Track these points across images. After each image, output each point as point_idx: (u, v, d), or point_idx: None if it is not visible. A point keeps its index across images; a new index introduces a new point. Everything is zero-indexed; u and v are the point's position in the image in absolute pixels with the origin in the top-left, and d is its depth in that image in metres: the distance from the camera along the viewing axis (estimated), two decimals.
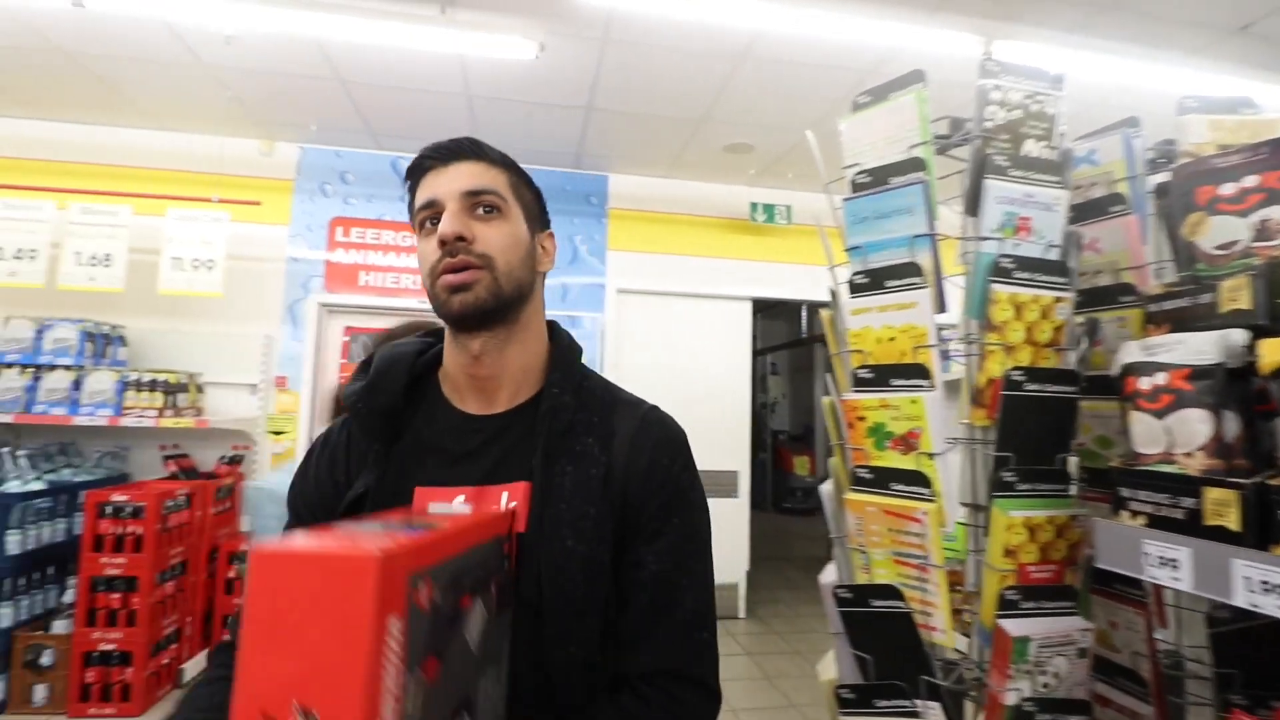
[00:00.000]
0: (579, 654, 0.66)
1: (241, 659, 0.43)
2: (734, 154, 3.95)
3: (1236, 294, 0.72)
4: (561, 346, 0.81)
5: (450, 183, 0.73)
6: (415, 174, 0.77)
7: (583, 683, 0.67)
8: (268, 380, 3.71)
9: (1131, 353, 0.80)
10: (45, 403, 3.02)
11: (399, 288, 4.01)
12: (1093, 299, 1.10)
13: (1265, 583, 0.61)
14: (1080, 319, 1.04)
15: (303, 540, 0.46)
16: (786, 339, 8.68)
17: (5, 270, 3.10)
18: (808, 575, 5.28)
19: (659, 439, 0.76)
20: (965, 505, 1.11)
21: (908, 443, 0.97)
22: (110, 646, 2.74)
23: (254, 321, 3.75)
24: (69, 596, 2.84)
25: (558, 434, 0.73)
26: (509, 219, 0.75)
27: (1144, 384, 0.77)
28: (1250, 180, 0.76)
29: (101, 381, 3.08)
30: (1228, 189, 0.78)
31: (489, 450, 0.74)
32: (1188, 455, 0.71)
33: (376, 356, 0.79)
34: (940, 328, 0.99)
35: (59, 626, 2.80)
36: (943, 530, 0.95)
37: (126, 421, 3.07)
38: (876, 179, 1.05)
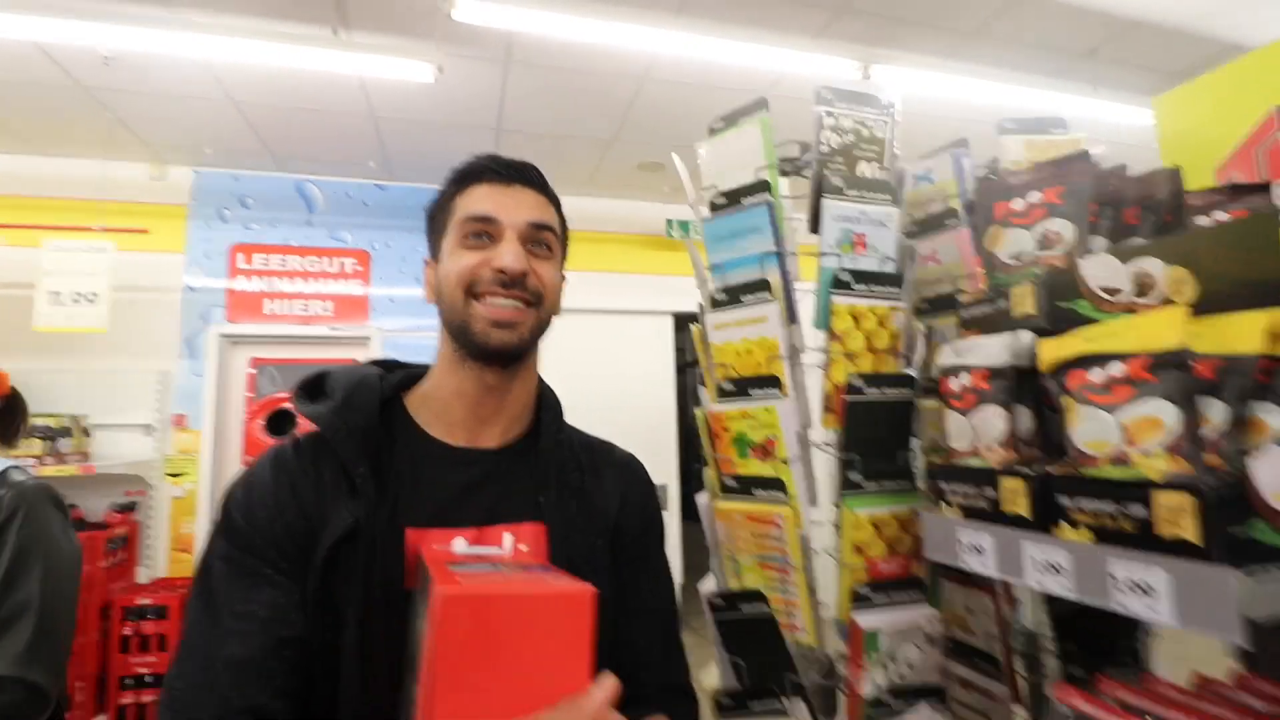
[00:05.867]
0: None
1: (435, 693, 0.43)
2: (647, 172, 4.04)
3: (1024, 299, 0.80)
4: (545, 389, 0.81)
5: (516, 208, 0.70)
6: (467, 179, 0.73)
7: None
8: (164, 419, 3.49)
9: (947, 356, 0.87)
10: None
11: (309, 314, 3.86)
12: (936, 306, 1.19)
13: (1048, 563, 0.67)
14: (921, 325, 1.12)
15: (489, 581, 0.47)
16: None
17: None
18: None
19: (639, 477, 0.83)
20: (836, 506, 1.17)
21: (766, 450, 1.02)
22: None
23: (147, 357, 3.53)
24: None
25: (560, 471, 0.74)
26: (556, 259, 0.75)
27: (954, 384, 0.83)
28: (1035, 196, 0.85)
29: None
30: (1018, 204, 0.86)
31: (487, 488, 0.71)
32: (989, 449, 0.78)
33: (331, 375, 0.74)
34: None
35: None
36: (800, 532, 0.99)
37: None
38: (730, 200, 1.11)
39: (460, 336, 0.70)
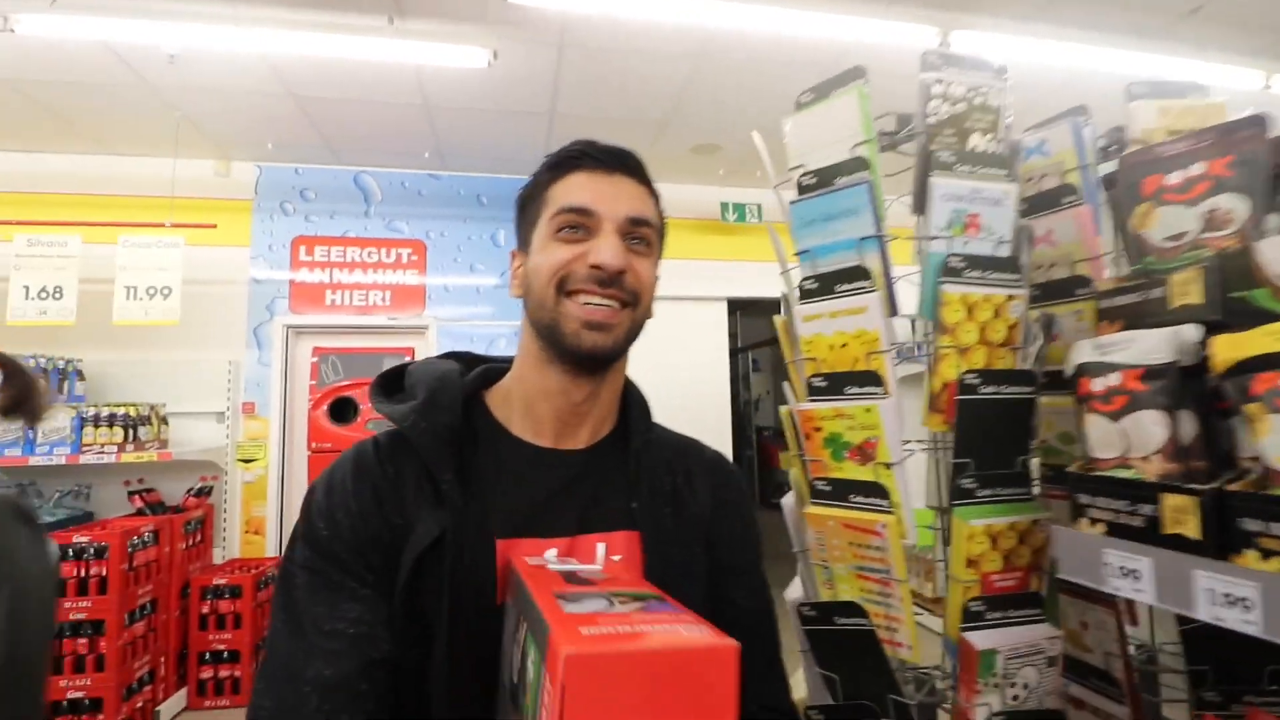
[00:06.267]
0: None
1: None
2: (702, 155, 3.92)
3: (1187, 288, 0.69)
4: (631, 386, 0.77)
5: (615, 199, 0.66)
6: (563, 166, 0.67)
7: None
8: (234, 407, 3.62)
9: (1084, 352, 0.77)
10: None
11: (367, 304, 3.93)
12: (1049, 293, 1.07)
13: (1228, 595, 0.58)
14: (1035, 314, 1.01)
15: (614, 633, 0.41)
16: (767, 335, 8.67)
17: None
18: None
19: (731, 476, 0.77)
20: (932, 509, 1.08)
21: (864, 453, 0.94)
22: (79, 694, 2.64)
23: (217, 347, 3.65)
24: None
25: (652, 475, 0.69)
26: (654, 256, 0.70)
27: (1097, 385, 0.73)
28: (1196, 168, 0.74)
29: (58, 420, 2.98)
30: (1174, 178, 0.75)
31: (577, 492, 0.67)
32: (1144, 459, 0.68)
33: (411, 372, 0.70)
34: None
35: None
36: (905, 542, 0.91)
37: (86, 459, 2.97)
38: (822, 180, 1.02)
39: (549, 336, 0.65)
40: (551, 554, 0.62)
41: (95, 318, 3.15)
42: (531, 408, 0.69)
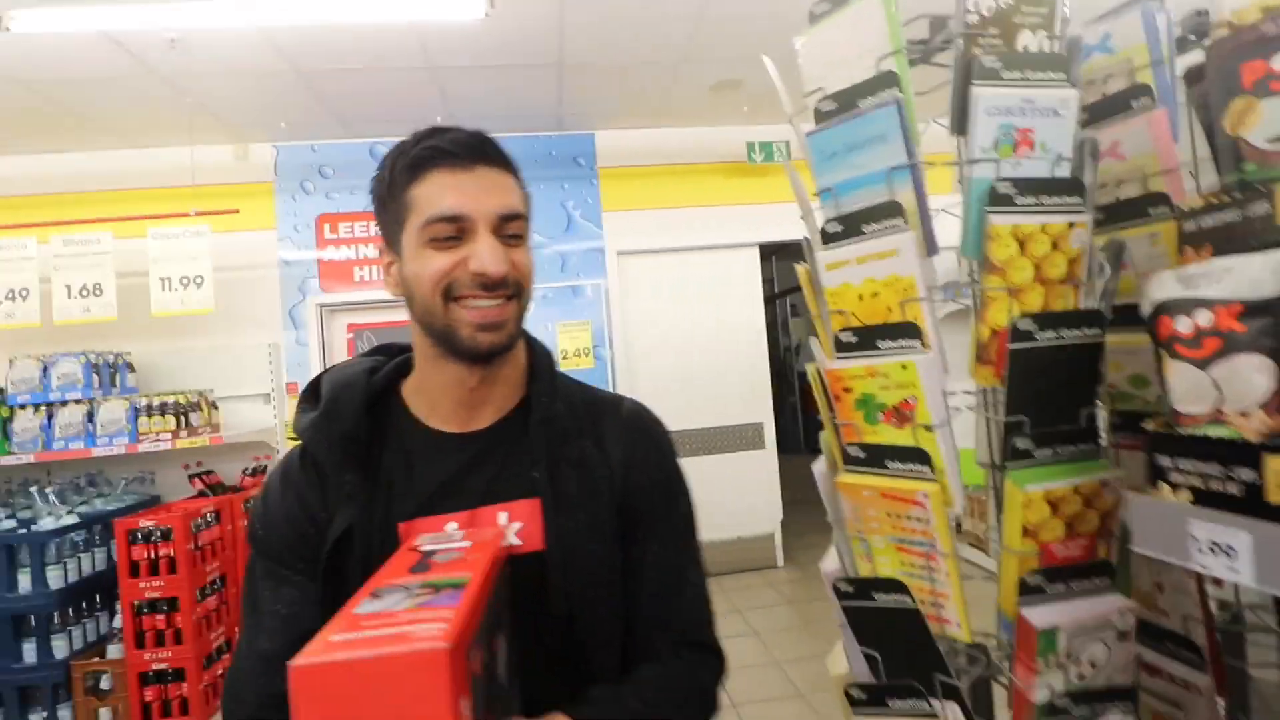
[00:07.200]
0: (614, 645, 0.70)
1: None
2: (722, 92, 3.69)
3: None
4: (538, 354, 0.78)
5: (482, 197, 0.65)
6: (420, 166, 0.65)
7: (617, 664, 0.71)
8: (278, 387, 3.70)
9: (1165, 286, 0.64)
10: (63, 438, 3.05)
11: None
12: (1116, 215, 0.93)
13: None
14: (1103, 242, 0.87)
15: (346, 642, 0.44)
16: None
17: (2, 313, 3.09)
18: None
19: (648, 432, 0.78)
20: (983, 466, 0.98)
21: (901, 414, 0.84)
22: (163, 665, 2.82)
23: (255, 331, 3.72)
24: (118, 622, 2.91)
25: (556, 442, 0.72)
26: (526, 239, 0.71)
27: (1182, 326, 0.61)
28: None
29: (113, 411, 3.09)
30: None
31: (480, 469, 0.72)
32: (1243, 414, 0.57)
33: (324, 382, 0.75)
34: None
35: (113, 651, 2.88)
36: (950, 512, 0.82)
37: (144, 447, 3.09)
38: (843, 104, 0.89)
39: (443, 340, 0.68)
40: (452, 527, 0.68)
41: (135, 311, 3.23)
42: (434, 397, 0.73)
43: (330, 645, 0.44)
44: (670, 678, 0.69)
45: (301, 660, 0.42)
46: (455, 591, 0.49)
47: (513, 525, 0.69)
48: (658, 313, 4.20)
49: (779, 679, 2.95)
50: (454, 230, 0.64)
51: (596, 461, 0.73)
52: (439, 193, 0.64)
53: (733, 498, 4.19)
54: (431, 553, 0.59)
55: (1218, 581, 0.99)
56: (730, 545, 4.20)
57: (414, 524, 0.69)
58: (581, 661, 0.68)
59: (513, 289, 0.67)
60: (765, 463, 4.26)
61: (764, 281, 4.46)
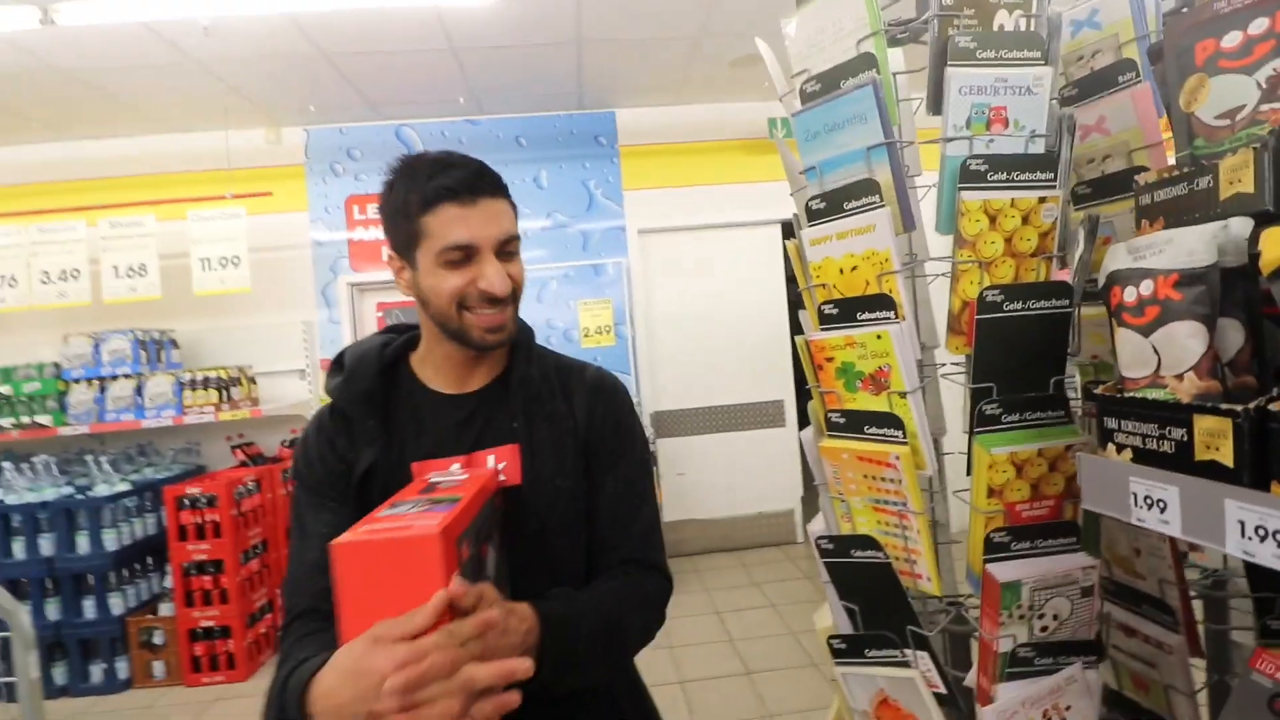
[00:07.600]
0: (577, 562, 0.88)
1: (342, 624, 0.60)
2: (742, 68, 3.67)
3: (1238, 174, 0.58)
4: (521, 330, 0.93)
5: (487, 226, 0.80)
6: (432, 200, 0.79)
7: (581, 579, 0.87)
8: (313, 363, 3.86)
9: (1117, 258, 0.68)
10: (114, 410, 3.25)
11: None
12: (1102, 189, 0.95)
13: (1261, 528, 0.51)
14: (1080, 216, 0.90)
15: (370, 529, 0.61)
16: None
17: (55, 292, 3.29)
18: None
19: (607, 392, 0.94)
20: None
21: (878, 382, 0.88)
22: (210, 623, 3.03)
23: (290, 310, 3.87)
24: (169, 582, 3.13)
25: (531, 401, 0.88)
26: (519, 251, 0.87)
27: (1129, 295, 0.64)
28: (1261, 23, 0.60)
29: (160, 385, 3.28)
30: (1232, 39, 0.62)
31: (473, 422, 0.89)
32: (1178, 378, 0.60)
33: (347, 354, 0.91)
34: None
35: (165, 609, 3.11)
36: (922, 474, 0.86)
37: (189, 419, 3.27)
38: (826, 85, 0.92)
39: (456, 336, 0.84)
40: (455, 467, 0.85)
41: (178, 290, 3.40)
42: (437, 366, 0.91)
43: (359, 533, 0.61)
44: (617, 586, 0.85)
45: (340, 540, 0.60)
46: (450, 504, 0.65)
47: (499, 465, 0.86)
48: (679, 291, 4.23)
49: (794, 648, 3.03)
50: (463, 255, 0.80)
51: (564, 415, 0.89)
52: (449, 226, 0.79)
53: (754, 474, 4.25)
54: (437, 483, 0.76)
55: (1194, 547, 1.02)
56: (751, 520, 4.27)
57: (425, 464, 0.85)
58: (551, 571, 0.84)
59: (510, 296, 0.84)
60: (786, 440, 4.30)
61: (785, 259, 4.46)
